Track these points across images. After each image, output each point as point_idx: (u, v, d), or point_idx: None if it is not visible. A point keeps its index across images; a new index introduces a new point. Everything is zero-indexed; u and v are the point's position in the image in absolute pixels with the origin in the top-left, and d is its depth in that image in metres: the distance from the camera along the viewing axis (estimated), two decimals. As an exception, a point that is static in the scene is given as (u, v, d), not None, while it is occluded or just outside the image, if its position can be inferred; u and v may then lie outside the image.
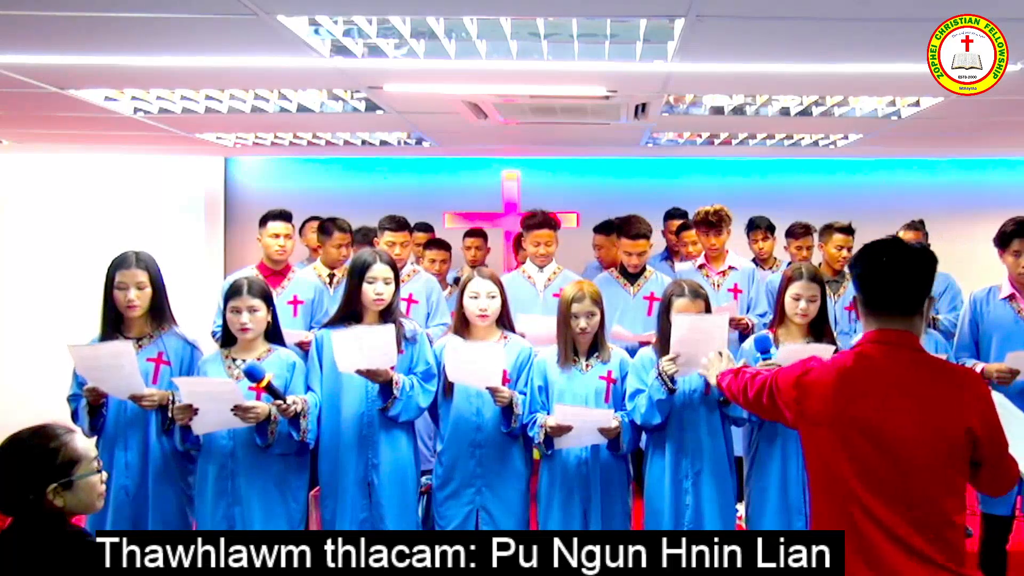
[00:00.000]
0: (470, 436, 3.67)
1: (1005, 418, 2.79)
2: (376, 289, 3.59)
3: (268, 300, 3.54)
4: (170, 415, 3.40)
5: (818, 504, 2.35)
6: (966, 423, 2.17)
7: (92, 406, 3.43)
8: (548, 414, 3.56)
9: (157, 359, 3.50)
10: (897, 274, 2.23)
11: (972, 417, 2.18)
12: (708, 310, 3.63)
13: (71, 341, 3.41)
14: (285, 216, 4.68)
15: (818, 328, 3.72)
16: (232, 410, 3.29)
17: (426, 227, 5.83)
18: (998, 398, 2.94)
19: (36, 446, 2.16)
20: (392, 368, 3.53)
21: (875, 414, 2.18)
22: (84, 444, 2.23)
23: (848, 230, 5.06)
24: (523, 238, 5.07)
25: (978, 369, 3.76)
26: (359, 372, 3.47)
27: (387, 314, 3.62)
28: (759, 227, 5.51)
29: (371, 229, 5.12)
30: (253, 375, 3.30)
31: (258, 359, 3.48)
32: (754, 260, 5.53)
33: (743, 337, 4.50)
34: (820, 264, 5.06)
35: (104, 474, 2.26)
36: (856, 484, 2.18)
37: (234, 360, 3.49)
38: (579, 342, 3.64)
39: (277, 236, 4.61)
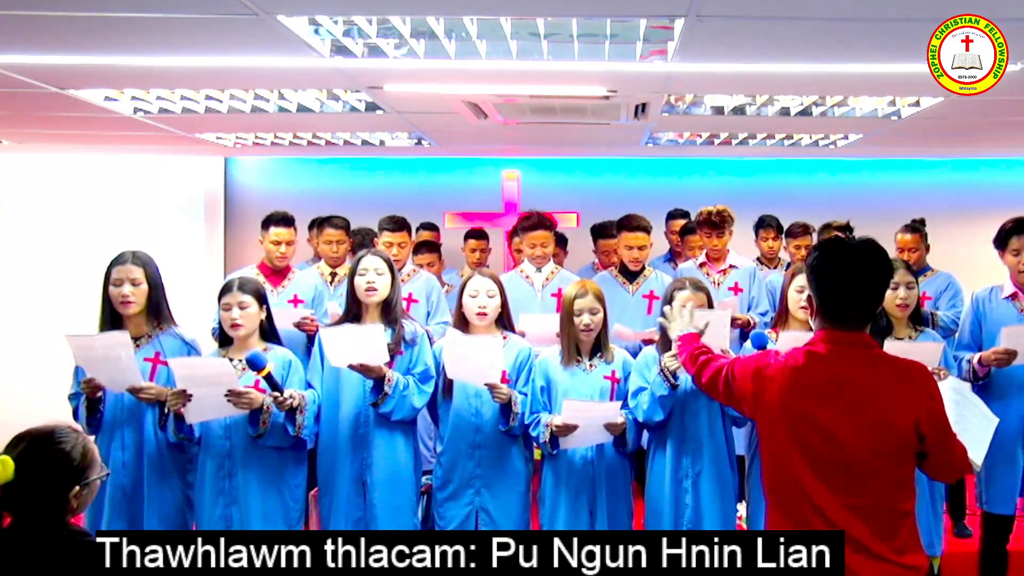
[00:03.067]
0: (469, 437, 3.68)
1: (964, 407, 2.85)
2: (368, 279, 3.60)
3: (261, 299, 3.54)
4: (166, 408, 3.39)
5: (769, 494, 2.42)
6: (913, 417, 2.24)
7: (90, 400, 3.43)
8: (551, 414, 3.56)
9: (154, 358, 3.50)
10: (851, 277, 2.28)
11: (919, 411, 2.25)
12: (710, 304, 3.64)
13: (69, 331, 3.39)
14: (287, 221, 4.66)
15: None
16: (226, 395, 3.29)
17: (431, 227, 5.84)
18: (960, 388, 3.01)
19: (59, 450, 2.15)
20: (390, 365, 3.53)
21: (823, 410, 2.26)
22: (93, 445, 2.25)
23: (846, 229, 5.06)
24: (520, 239, 5.06)
25: (976, 359, 3.77)
26: (351, 366, 3.48)
27: (387, 311, 3.62)
28: (770, 226, 5.52)
29: (370, 230, 5.13)
30: (255, 363, 3.31)
31: None
32: (759, 259, 5.54)
33: (744, 335, 4.50)
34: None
35: (106, 472, 2.27)
36: (805, 476, 2.27)
37: (231, 360, 3.49)
38: (582, 341, 3.64)
39: (279, 243, 4.60)
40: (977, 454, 2.80)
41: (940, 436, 2.28)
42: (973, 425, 2.90)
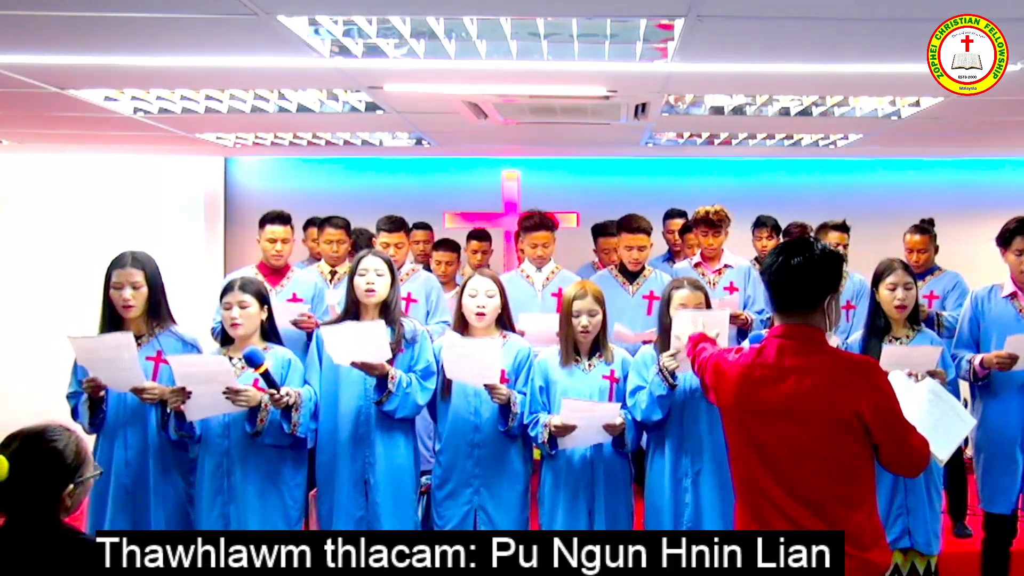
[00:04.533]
0: (468, 436, 3.68)
1: (936, 405, 2.91)
2: (367, 280, 3.60)
3: (262, 299, 3.55)
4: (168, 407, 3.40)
5: (734, 486, 2.53)
6: (853, 408, 2.30)
7: (92, 400, 3.43)
8: (550, 414, 3.56)
9: (155, 358, 3.50)
10: (797, 275, 2.37)
11: (861, 402, 2.30)
12: (708, 303, 3.64)
13: (71, 333, 3.40)
14: (283, 219, 4.65)
15: None
16: (224, 392, 3.29)
17: (424, 226, 5.84)
18: (936, 389, 3.07)
19: (51, 449, 2.15)
20: (391, 363, 3.53)
21: (770, 401, 2.36)
22: (86, 443, 2.24)
23: (843, 227, 5.07)
24: (520, 239, 5.06)
25: (977, 360, 3.77)
26: (354, 364, 3.48)
27: (387, 311, 3.63)
28: (765, 225, 5.53)
29: (370, 231, 5.13)
30: (252, 360, 3.33)
31: None
32: (756, 258, 5.53)
33: (742, 334, 4.50)
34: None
35: (99, 471, 2.27)
36: (755, 467, 2.39)
37: (231, 359, 3.49)
38: (581, 342, 3.64)
39: (274, 241, 4.59)
40: (943, 451, 2.87)
41: (888, 429, 2.33)
42: (943, 423, 2.96)
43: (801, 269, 2.36)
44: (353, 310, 3.68)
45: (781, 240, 5.52)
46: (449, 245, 5.41)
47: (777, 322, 2.45)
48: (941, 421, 2.94)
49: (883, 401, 2.33)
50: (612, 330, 4.02)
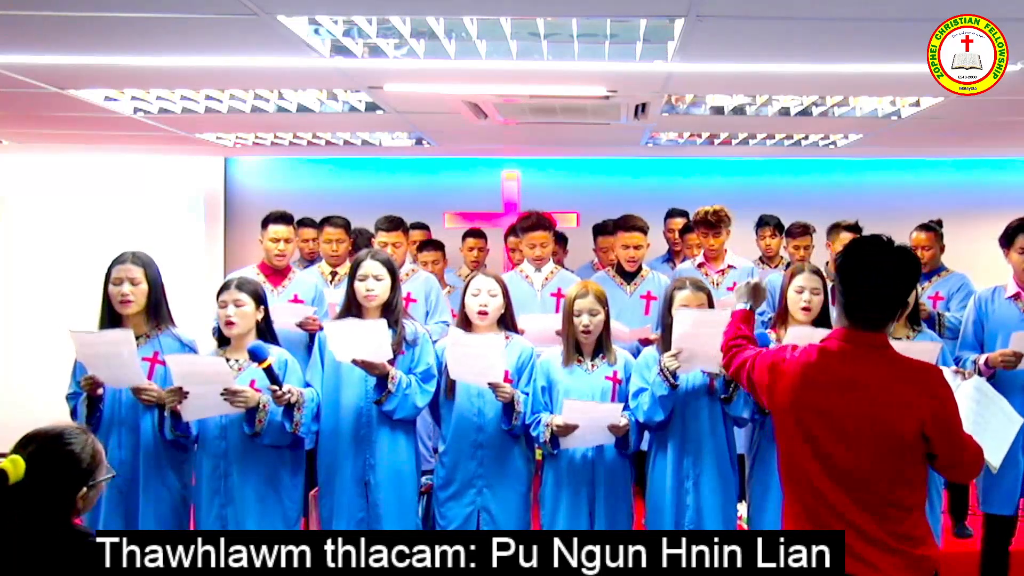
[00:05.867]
0: (472, 436, 3.68)
1: (985, 406, 2.85)
2: (367, 286, 3.59)
3: (259, 299, 3.53)
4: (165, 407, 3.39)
5: (784, 485, 2.49)
6: (918, 419, 2.28)
7: (90, 398, 3.43)
8: (553, 414, 3.56)
9: (153, 358, 3.50)
10: (877, 280, 2.31)
11: (924, 414, 2.28)
12: (710, 303, 3.63)
13: (73, 327, 3.39)
14: (286, 219, 4.65)
15: (821, 325, 3.71)
16: (222, 393, 3.29)
17: (421, 226, 5.84)
18: (982, 387, 3.00)
19: (68, 451, 2.16)
20: (392, 363, 3.53)
21: (831, 405, 2.33)
22: (101, 447, 2.25)
23: (855, 228, 5.08)
24: (517, 240, 5.06)
25: (982, 360, 3.77)
26: (355, 362, 3.48)
27: (387, 313, 3.62)
28: (768, 224, 5.53)
29: (370, 231, 5.13)
30: (256, 354, 3.32)
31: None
32: (760, 258, 5.54)
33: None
34: (827, 263, 5.05)
35: (112, 473, 2.28)
36: (813, 469, 2.34)
37: (228, 360, 3.49)
38: (582, 342, 3.63)
39: (277, 240, 4.59)
40: (995, 456, 2.81)
41: (947, 439, 2.32)
42: (992, 425, 2.90)
43: (882, 272, 2.31)
44: (354, 312, 3.66)
45: (784, 239, 5.52)
46: (433, 245, 5.47)
47: (841, 323, 2.40)
48: (990, 423, 2.89)
49: (945, 410, 2.31)
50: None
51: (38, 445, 2.15)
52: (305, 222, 5.38)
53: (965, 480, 2.51)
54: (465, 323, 3.72)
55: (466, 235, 5.78)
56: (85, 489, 2.15)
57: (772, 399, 2.48)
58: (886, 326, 2.36)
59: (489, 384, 3.50)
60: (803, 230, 5.44)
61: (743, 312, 2.96)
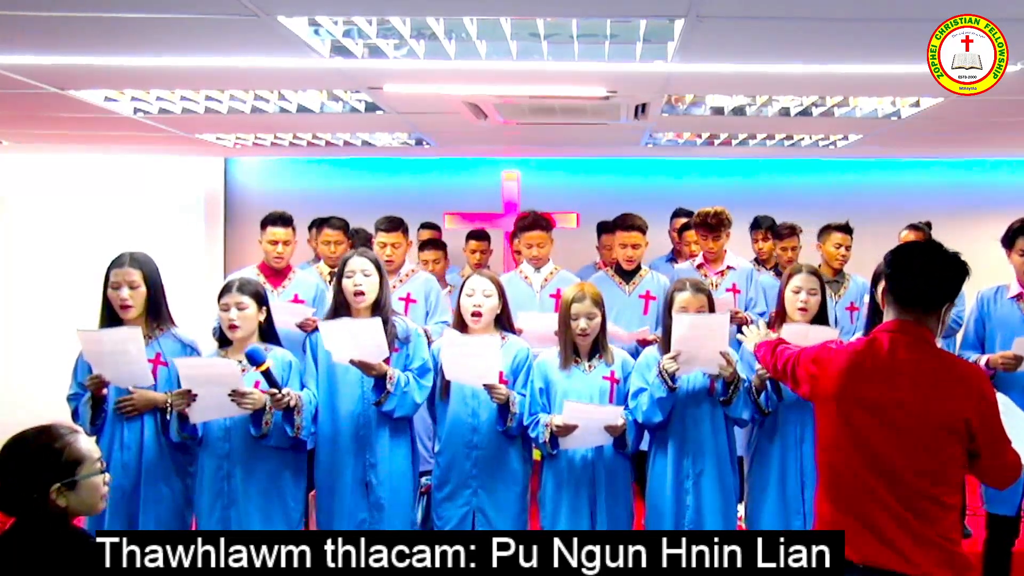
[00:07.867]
0: (466, 437, 3.67)
1: (1009, 417, 2.85)
2: (355, 281, 3.58)
3: (260, 300, 3.53)
4: (168, 407, 3.39)
5: (821, 475, 2.52)
6: (963, 415, 2.32)
7: (95, 399, 3.42)
8: (550, 415, 3.55)
9: (155, 360, 3.49)
10: (927, 273, 2.39)
11: (969, 410, 2.32)
12: (711, 305, 3.63)
13: (79, 326, 3.39)
14: (284, 221, 4.64)
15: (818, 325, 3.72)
16: (230, 395, 3.29)
17: (432, 226, 5.83)
18: (1003, 400, 2.99)
19: (40, 445, 2.15)
20: (387, 361, 3.52)
21: (878, 395, 2.36)
22: (88, 444, 2.22)
23: (846, 229, 5.07)
24: (517, 240, 5.06)
25: (982, 361, 3.78)
26: (352, 362, 3.47)
27: (378, 311, 3.60)
28: (761, 227, 5.53)
29: (369, 231, 5.13)
30: (254, 358, 3.31)
31: None
32: (755, 260, 5.53)
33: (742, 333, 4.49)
34: (820, 265, 5.05)
35: (108, 475, 2.25)
36: (854, 459, 2.38)
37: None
38: (580, 344, 3.63)
39: (275, 242, 4.58)
40: None
41: (991, 439, 2.35)
42: (1015, 435, 2.92)
43: (933, 266, 2.39)
44: (343, 312, 3.63)
45: (774, 241, 5.52)
46: (435, 244, 5.47)
47: (890, 316, 2.45)
48: (1011, 432, 2.92)
49: (990, 412, 2.35)
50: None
51: (9, 441, 2.17)
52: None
53: (1003, 486, 2.54)
54: (461, 323, 3.71)
55: (469, 236, 5.78)
56: (59, 485, 2.12)
57: (816, 387, 2.52)
58: (929, 319, 2.41)
59: (484, 385, 3.50)
60: (790, 231, 5.43)
61: (768, 341, 3.09)
